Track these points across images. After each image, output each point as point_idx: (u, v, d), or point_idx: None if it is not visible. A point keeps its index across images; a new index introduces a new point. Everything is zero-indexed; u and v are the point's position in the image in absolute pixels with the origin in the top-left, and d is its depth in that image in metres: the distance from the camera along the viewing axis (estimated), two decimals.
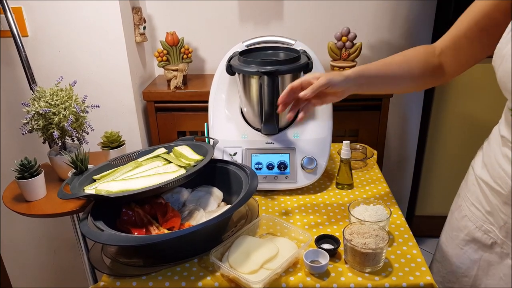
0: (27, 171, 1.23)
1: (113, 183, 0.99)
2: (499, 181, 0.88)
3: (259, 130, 1.23)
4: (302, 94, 0.91)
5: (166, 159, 1.12)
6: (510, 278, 0.90)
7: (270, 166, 1.20)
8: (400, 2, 1.66)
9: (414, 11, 1.70)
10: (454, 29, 0.92)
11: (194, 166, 1.05)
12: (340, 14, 1.67)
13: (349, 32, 1.57)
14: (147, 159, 1.15)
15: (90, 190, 1.00)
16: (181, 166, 1.07)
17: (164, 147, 1.20)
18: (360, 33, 1.61)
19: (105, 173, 1.11)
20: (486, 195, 0.93)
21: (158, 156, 1.15)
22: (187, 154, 1.11)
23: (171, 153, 1.16)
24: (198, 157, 1.09)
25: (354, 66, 1.60)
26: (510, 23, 0.78)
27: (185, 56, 1.65)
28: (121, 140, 1.44)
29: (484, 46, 0.88)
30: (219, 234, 0.98)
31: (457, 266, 1.00)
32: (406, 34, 1.73)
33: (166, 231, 0.96)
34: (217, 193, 1.12)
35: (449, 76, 0.97)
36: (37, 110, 1.24)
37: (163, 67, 1.64)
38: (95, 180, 1.09)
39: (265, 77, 1.09)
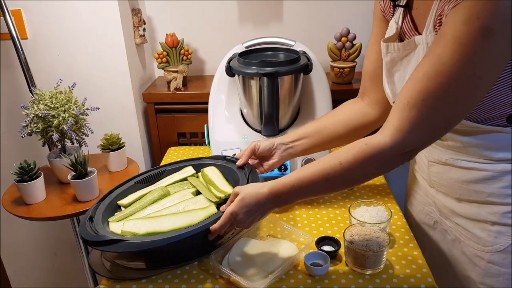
0: (26, 174, 1.23)
1: (140, 223, 0.92)
2: (420, 167, 1.05)
3: (259, 132, 1.23)
4: (237, 163, 1.03)
5: (194, 186, 1.06)
6: (451, 252, 0.99)
7: None
8: None
9: None
10: (365, 64, 1.04)
11: (225, 199, 0.97)
12: (340, 14, 1.67)
13: (348, 32, 1.57)
14: (174, 182, 1.09)
15: (115, 225, 0.94)
16: (211, 200, 0.99)
17: (192, 165, 1.13)
18: (360, 33, 1.60)
19: (131, 199, 1.04)
20: (417, 180, 1.10)
21: (185, 179, 1.09)
22: (217, 183, 1.02)
23: (200, 177, 1.09)
24: (229, 189, 0.99)
25: (354, 66, 1.60)
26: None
27: (184, 57, 1.64)
28: (121, 142, 1.44)
29: None
30: (219, 236, 0.97)
31: (419, 245, 1.05)
32: None
33: None
34: None
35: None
36: (37, 113, 1.24)
37: (163, 68, 1.63)
38: (119, 206, 1.04)
39: (265, 79, 1.09)
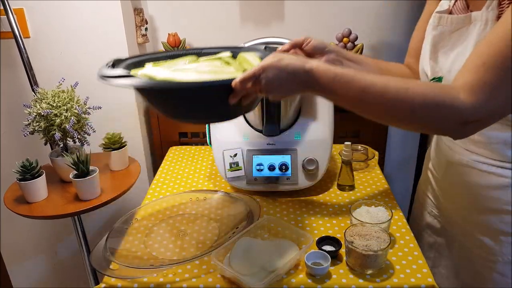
0: (28, 172, 1.24)
1: (162, 70, 0.86)
2: (437, 168, 1.02)
3: (260, 131, 1.23)
4: (278, 50, 0.93)
5: (228, 63, 0.97)
6: (459, 259, 0.98)
7: (271, 167, 1.20)
8: (401, 2, 1.66)
9: (415, 12, 1.69)
10: (411, 46, 1.04)
11: None
12: (341, 14, 1.67)
13: (350, 33, 1.57)
14: (208, 59, 0.99)
15: (135, 71, 0.87)
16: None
17: (231, 50, 1.02)
18: (361, 34, 1.60)
19: (160, 62, 0.97)
20: (431, 182, 1.07)
21: (220, 58, 0.99)
22: (252, 61, 0.94)
23: (236, 59, 0.99)
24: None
25: None
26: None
27: None
28: (122, 141, 1.44)
29: None
30: (239, 104, 0.82)
31: (421, 249, 1.05)
32: (407, 34, 1.73)
33: None
34: None
35: None
36: (39, 111, 1.24)
37: None
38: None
39: None
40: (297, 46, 0.94)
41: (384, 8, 1.67)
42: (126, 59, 0.95)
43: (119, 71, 0.83)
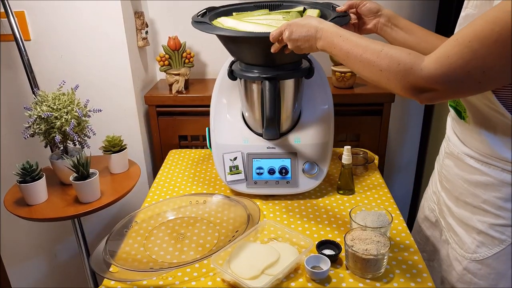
0: (28, 175, 1.24)
1: (231, 21, 1.14)
2: (438, 160, 1.04)
3: (260, 135, 1.24)
4: (337, 9, 1.11)
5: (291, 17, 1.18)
6: (440, 253, 1.00)
7: (271, 171, 1.20)
8: (401, 4, 1.67)
9: (416, 13, 1.70)
10: None
11: None
12: None
13: None
14: (277, 13, 1.23)
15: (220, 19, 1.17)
16: None
17: (305, 5, 1.25)
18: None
19: (243, 13, 1.24)
20: (434, 175, 1.09)
21: (288, 12, 1.21)
22: (310, 15, 1.15)
23: (304, 13, 1.21)
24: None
25: None
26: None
27: (187, 60, 1.65)
28: (122, 144, 1.44)
29: None
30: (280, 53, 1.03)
31: (418, 242, 1.08)
32: None
33: None
34: None
35: None
36: (39, 114, 1.24)
37: (165, 71, 1.64)
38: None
39: (267, 82, 1.10)
40: (353, 7, 1.09)
41: (388, 6, 1.67)
42: (219, 7, 1.25)
43: (201, 18, 1.14)
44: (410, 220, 2.04)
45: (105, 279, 0.92)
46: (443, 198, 0.99)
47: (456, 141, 0.92)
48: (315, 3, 1.26)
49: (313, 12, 1.20)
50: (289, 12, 1.22)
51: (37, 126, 1.27)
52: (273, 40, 0.97)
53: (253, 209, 1.12)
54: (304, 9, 1.24)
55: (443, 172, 0.98)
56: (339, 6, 1.14)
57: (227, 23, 1.15)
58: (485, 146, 0.84)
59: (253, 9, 1.29)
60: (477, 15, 0.81)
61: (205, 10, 1.21)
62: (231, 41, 1.11)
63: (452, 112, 0.94)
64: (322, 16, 1.17)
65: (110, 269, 0.94)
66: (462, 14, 0.87)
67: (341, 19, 1.08)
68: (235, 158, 1.22)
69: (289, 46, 0.96)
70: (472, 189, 0.88)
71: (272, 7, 1.29)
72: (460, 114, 0.89)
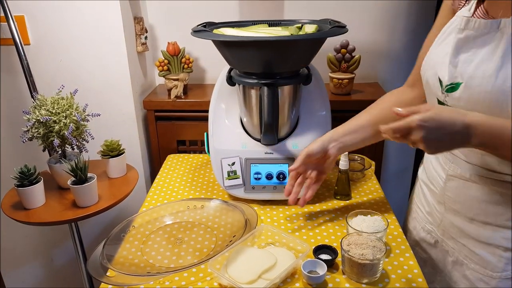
0: (26, 178, 1.24)
1: (231, 30, 1.18)
2: (434, 181, 1.00)
3: (258, 140, 1.24)
4: (290, 168, 1.06)
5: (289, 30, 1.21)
6: (451, 274, 0.98)
7: (269, 176, 1.21)
8: (399, 13, 1.68)
9: (412, 23, 1.72)
10: (421, 58, 0.99)
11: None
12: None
13: (348, 44, 1.59)
14: (276, 27, 1.26)
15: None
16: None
17: (302, 23, 1.27)
18: (359, 45, 1.62)
19: (244, 28, 1.26)
20: (425, 195, 1.05)
21: (287, 28, 1.22)
22: (308, 30, 1.19)
23: (301, 29, 1.23)
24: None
25: (353, 78, 1.62)
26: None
27: (186, 66, 1.66)
28: (120, 148, 1.45)
29: None
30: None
31: (419, 261, 1.05)
32: (404, 45, 1.75)
33: None
34: None
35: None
36: (38, 118, 1.25)
37: (163, 76, 1.65)
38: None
39: (265, 88, 1.11)
40: (307, 160, 1.05)
41: (382, 19, 1.69)
42: (218, 23, 1.29)
43: (201, 28, 1.18)
44: (406, 225, 2.05)
45: (102, 283, 0.92)
46: (448, 220, 0.96)
47: (464, 164, 0.89)
48: (313, 20, 1.29)
49: (310, 28, 1.21)
50: (287, 27, 1.23)
51: (36, 130, 1.27)
52: (395, 133, 0.77)
53: (250, 214, 1.12)
54: (302, 25, 1.26)
55: (447, 195, 0.95)
56: (337, 21, 1.18)
57: (227, 32, 1.16)
58: (501, 163, 0.82)
59: (252, 25, 1.31)
60: (480, 35, 0.80)
61: (204, 24, 1.23)
62: (231, 47, 1.11)
63: None
64: (320, 30, 1.20)
65: (107, 273, 0.94)
66: (460, 36, 0.83)
67: (339, 29, 1.09)
68: (233, 163, 1.22)
69: (420, 147, 0.76)
70: (492, 208, 0.86)
71: (270, 25, 1.31)
72: None
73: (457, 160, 0.90)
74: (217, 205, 1.20)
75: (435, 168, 0.99)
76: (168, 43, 1.63)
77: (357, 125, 1.05)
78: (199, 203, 1.21)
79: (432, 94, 0.91)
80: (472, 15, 0.84)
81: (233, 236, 1.05)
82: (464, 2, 0.90)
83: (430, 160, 1.03)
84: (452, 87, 0.83)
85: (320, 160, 1.06)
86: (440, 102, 0.88)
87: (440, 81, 0.87)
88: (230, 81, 1.20)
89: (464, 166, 0.89)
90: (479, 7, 0.84)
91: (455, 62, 0.84)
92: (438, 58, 0.88)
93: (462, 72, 0.81)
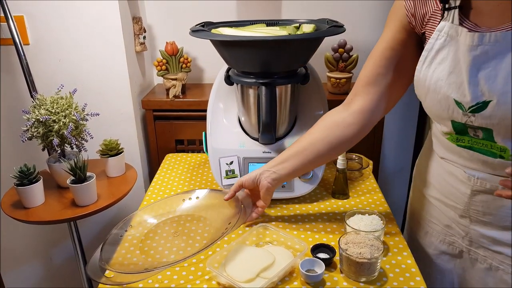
0: (26, 177, 1.24)
1: (229, 30, 1.20)
2: (452, 197, 0.97)
3: (256, 140, 1.25)
4: (225, 197, 1.08)
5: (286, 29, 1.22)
6: (484, 281, 0.96)
7: None
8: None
9: None
10: (366, 68, 0.99)
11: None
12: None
13: (345, 44, 1.60)
14: (275, 27, 1.28)
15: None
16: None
17: (300, 23, 1.29)
18: (357, 45, 1.63)
19: (243, 27, 1.28)
20: (441, 211, 1.02)
21: (285, 28, 1.24)
22: (305, 30, 1.22)
23: (299, 29, 1.25)
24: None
25: (350, 77, 1.62)
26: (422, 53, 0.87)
27: (184, 65, 1.67)
28: (119, 148, 1.45)
29: (399, 76, 0.96)
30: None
31: (437, 278, 1.04)
32: None
33: None
34: None
35: (379, 113, 1.02)
36: (37, 117, 1.25)
37: (162, 76, 1.65)
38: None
39: (263, 88, 1.11)
40: (240, 189, 1.09)
41: (379, 19, 1.70)
42: (216, 23, 1.31)
43: (199, 28, 1.19)
44: (404, 224, 2.05)
45: (100, 283, 0.92)
46: (476, 232, 0.94)
47: (493, 178, 0.86)
48: (310, 20, 1.30)
49: (308, 27, 1.22)
50: (285, 27, 1.24)
51: (35, 130, 1.27)
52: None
53: (245, 200, 1.11)
54: (300, 25, 1.26)
55: (473, 209, 0.92)
56: (335, 21, 1.20)
57: (225, 32, 1.17)
58: None
59: (250, 25, 1.32)
60: (497, 48, 0.75)
61: (202, 23, 1.24)
62: (229, 47, 1.12)
63: (473, 154, 0.88)
64: (317, 30, 1.20)
65: (106, 273, 0.94)
66: (475, 53, 0.78)
67: (337, 29, 1.10)
68: (231, 162, 1.23)
69: None
70: None
71: (268, 25, 1.32)
72: (495, 154, 0.83)
73: (486, 175, 0.87)
74: (212, 195, 1.18)
75: (453, 185, 0.95)
76: (167, 42, 1.63)
77: (294, 151, 1.04)
78: (194, 195, 1.19)
79: (443, 119, 0.88)
80: (471, 29, 0.79)
81: (229, 224, 1.03)
82: (442, 14, 0.84)
83: (443, 178, 0.99)
84: (480, 107, 0.79)
85: (255, 191, 1.08)
86: (457, 123, 0.85)
87: (458, 103, 0.82)
88: (228, 80, 1.21)
89: (493, 180, 0.86)
90: (464, 22, 0.80)
91: (476, 81, 0.78)
92: (441, 80, 0.84)
93: (489, 89, 0.77)
